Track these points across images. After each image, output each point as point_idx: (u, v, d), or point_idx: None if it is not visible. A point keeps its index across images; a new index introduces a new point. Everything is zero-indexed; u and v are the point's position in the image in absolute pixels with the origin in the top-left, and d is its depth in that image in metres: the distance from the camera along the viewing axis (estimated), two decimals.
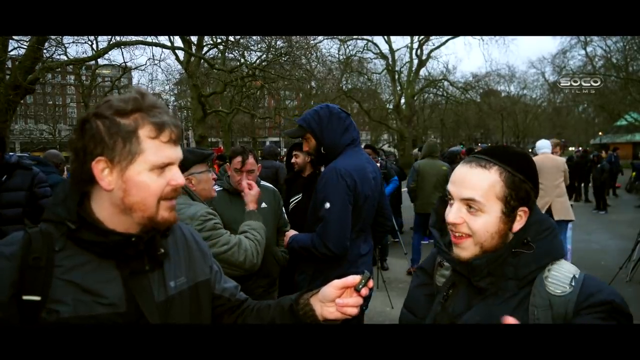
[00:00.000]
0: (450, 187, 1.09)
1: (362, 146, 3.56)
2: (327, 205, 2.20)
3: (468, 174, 1.06)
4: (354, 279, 1.01)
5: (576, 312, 0.95)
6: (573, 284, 0.98)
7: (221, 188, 2.82)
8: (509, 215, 1.04)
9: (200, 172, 2.24)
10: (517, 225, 1.06)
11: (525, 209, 1.05)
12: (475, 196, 1.03)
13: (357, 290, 1.01)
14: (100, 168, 0.89)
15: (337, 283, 1.02)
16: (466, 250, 1.05)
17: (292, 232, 2.52)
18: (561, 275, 1.01)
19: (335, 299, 1.01)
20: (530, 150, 19.44)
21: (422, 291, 1.22)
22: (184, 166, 2.25)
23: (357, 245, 2.38)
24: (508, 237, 1.07)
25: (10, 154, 3.53)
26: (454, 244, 1.07)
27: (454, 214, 1.05)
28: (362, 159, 2.40)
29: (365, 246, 2.46)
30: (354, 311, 1.02)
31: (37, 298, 0.85)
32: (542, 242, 1.05)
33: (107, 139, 0.89)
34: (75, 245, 0.91)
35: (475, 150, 6.41)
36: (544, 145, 5.88)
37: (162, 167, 0.92)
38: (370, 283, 1.01)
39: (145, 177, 0.91)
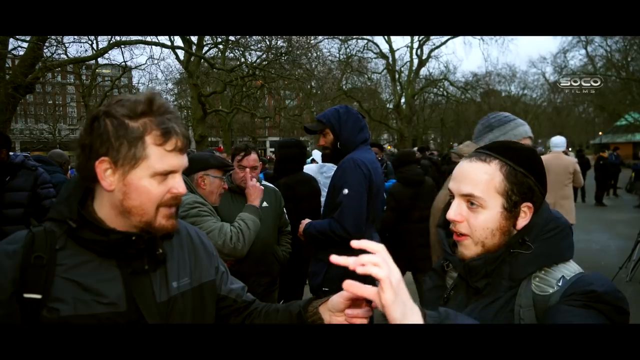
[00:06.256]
0: (450, 183, 1.06)
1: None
2: (345, 191, 2.34)
3: (468, 168, 1.03)
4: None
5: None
6: (560, 283, 0.94)
7: None
8: (511, 210, 1.00)
9: (215, 177, 2.38)
10: (522, 222, 1.01)
11: (529, 204, 1.00)
12: (475, 191, 0.99)
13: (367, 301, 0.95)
14: (103, 168, 0.90)
15: (347, 294, 0.97)
16: (468, 248, 1.03)
17: (307, 220, 2.60)
18: (550, 275, 0.96)
19: (345, 310, 0.98)
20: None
21: (434, 293, 1.18)
22: (203, 166, 2.34)
23: (369, 234, 2.51)
24: (511, 235, 1.02)
25: (17, 153, 3.55)
26: (457, 242, 1.05)
27: (454, 210, 1.03)
28: (373, 155, 2.61)
29: (376, 236, 2.61)
30: (363, 322, 0.98)
31: (38, 296, 0.86)
32: (544, 243, 0.99)
33: (114, 141, 0.89)
34: (77, 244, 0.92)
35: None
36: (557, 143, 5.41)
37: (165, 175, 0.93)
38: None
39: (146, 182, 0.91)
